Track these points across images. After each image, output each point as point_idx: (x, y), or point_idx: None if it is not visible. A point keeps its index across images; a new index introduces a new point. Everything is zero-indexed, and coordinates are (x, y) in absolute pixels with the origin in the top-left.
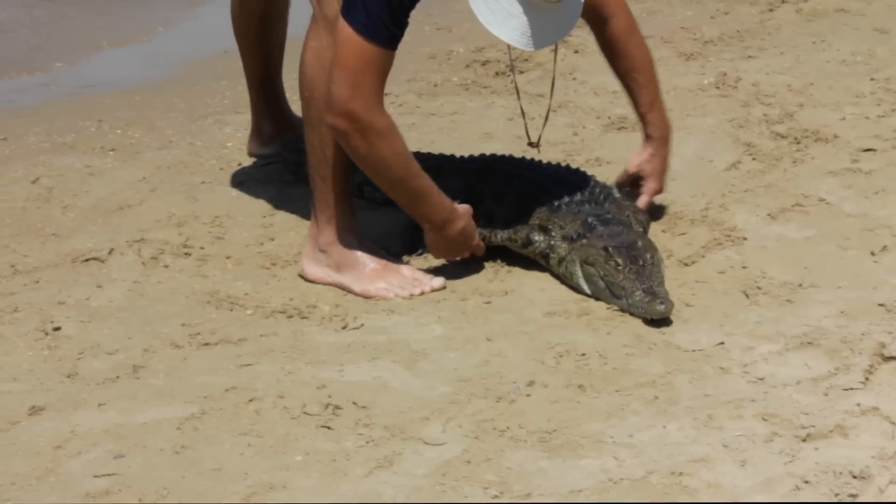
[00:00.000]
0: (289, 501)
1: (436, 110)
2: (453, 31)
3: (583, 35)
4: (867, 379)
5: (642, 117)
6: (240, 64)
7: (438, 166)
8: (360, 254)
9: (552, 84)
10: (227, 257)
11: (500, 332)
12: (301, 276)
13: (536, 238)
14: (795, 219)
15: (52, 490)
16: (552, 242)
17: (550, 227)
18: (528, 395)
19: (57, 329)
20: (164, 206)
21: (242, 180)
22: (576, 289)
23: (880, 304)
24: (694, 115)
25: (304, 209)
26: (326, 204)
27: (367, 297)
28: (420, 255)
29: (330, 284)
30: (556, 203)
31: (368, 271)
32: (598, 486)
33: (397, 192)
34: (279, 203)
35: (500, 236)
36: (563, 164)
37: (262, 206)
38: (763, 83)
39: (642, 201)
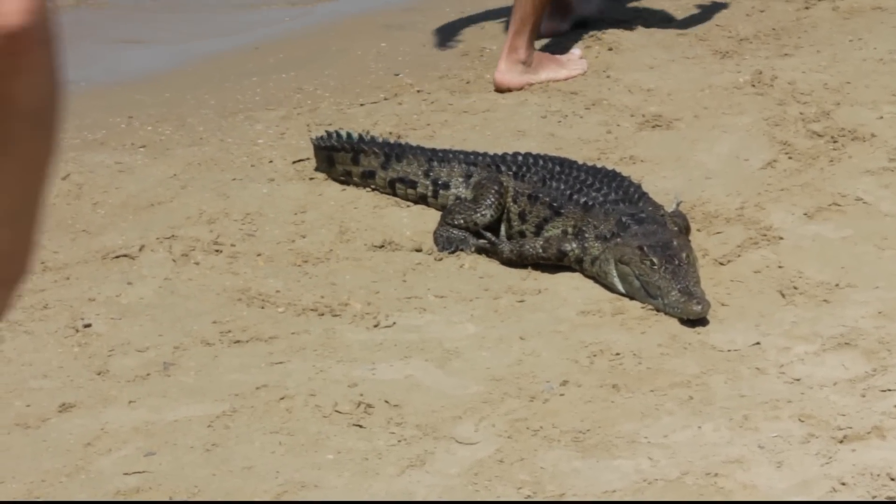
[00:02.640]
0: (320, 500)
1: (468, 108)
2: (486, 28)
3: (617, 32)
4: None
5: None
6: (271, 60)
7: (472, 163)
8: (547, 55)
9: None
10: (258, 254)
11: (533, 331)
12: (496, 88)
13: (569, 248)
14: (832, 218)
15: (82, 487)
16: (585, 245)
17: (584, 227)
18: (561, 395)
19: (87, 326)
20: (195, 203)
21: (273, 177)
22: (610, 288)
23: None
24: (730, 113)
25: (334, 206)
26: (527, 22)
27: (570, 78)
28: (453, 252)
29: (528, 84)
30: (589, 202)
31: (558, 64)
32: (632, 486)
33: None
34: (310, 200)
35: (531, 254)
36: (597, 163)
37: (293, 202)
38: (799, 81)
39: None
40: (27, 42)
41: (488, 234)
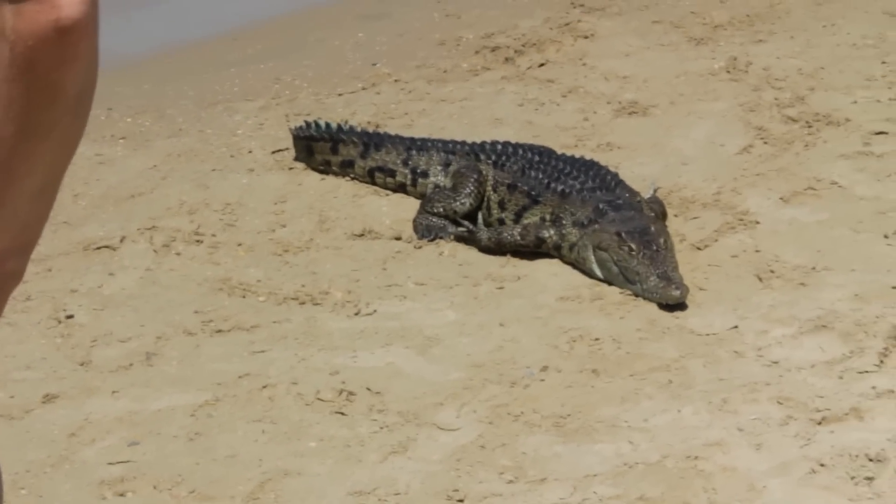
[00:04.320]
0: (303, 487)
1: (446, 96)
2: (462, 18)
3: (592, 20)
4: (882, 362)
5: None
6: (249, 51)
7: (451, 152)
8: None
9: None
10: (239, 244)
11: (513, 317)
12: None
13: (546, 234)
14: (808, 202)
15: (66, 477)
16: (563, 231)
17: (561, 214)
18: (542, 380)
19: (70, 317)
20: (175, 194)
21: (253, 167)
22: (588, 274)
23: (894, 287)
24: (705, 99)
25: (314, 195)
26: None
27: None
28: (432, 240)
29: None
30: (566, 190)
31: None
32: (613, 470)
33: None
34: (290, 190)
35: (509, 241)
36: (574, 150)
37: (273, 193)
38: (774, 67)
39: None
40: (82, 32)
41: (466, 223)
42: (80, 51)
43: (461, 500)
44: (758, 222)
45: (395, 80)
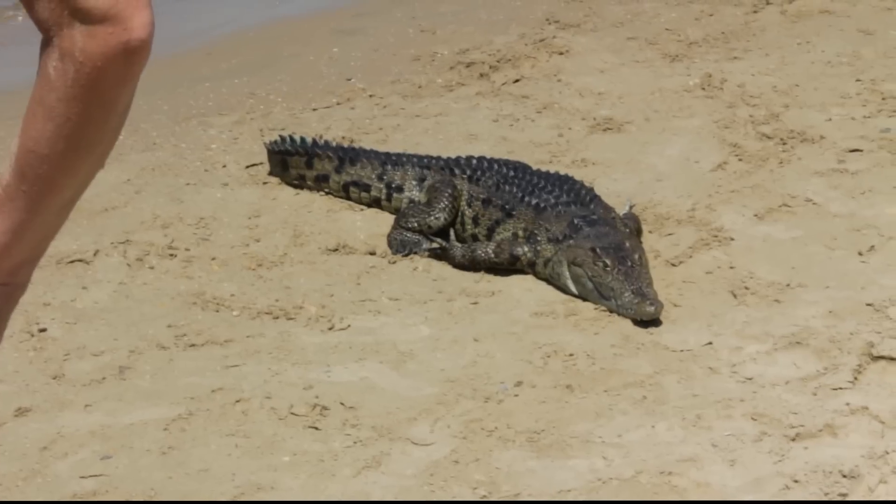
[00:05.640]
0: (277, 501)
1: (420, 112)
2: (437, 34)
3: (567, 37)
4: (856, 378)
5: None
6: (223, 66)
7: (426, 167)
8: None
9: None
10: (213, 259)
11: (487, 332)
12: None
13: (520, 251)
14: (782, 219)
15: (38, 491)
16: (538, 248)
17: (535, 230)
18: (516, 396)
19: (42, 330)
20: (149, 208)
21: (227, 182)
22: (563, 289)
23: (868, 304)
24: (680, 116)
25: (288, 210)
26: None
27: None
28: (406, 255)
29: None
30: (541, 204)
31: None
32: (587, 485)
33: None
34: (264, 204)
35: (483, 259)
36: (549, 165)
37: (246, 207)
38: (748, 84)
39: None
40: (146, 53)
41: (438, 240)
42: (139, 70)
43: None
44: (732, 239)
45: (370, 96)
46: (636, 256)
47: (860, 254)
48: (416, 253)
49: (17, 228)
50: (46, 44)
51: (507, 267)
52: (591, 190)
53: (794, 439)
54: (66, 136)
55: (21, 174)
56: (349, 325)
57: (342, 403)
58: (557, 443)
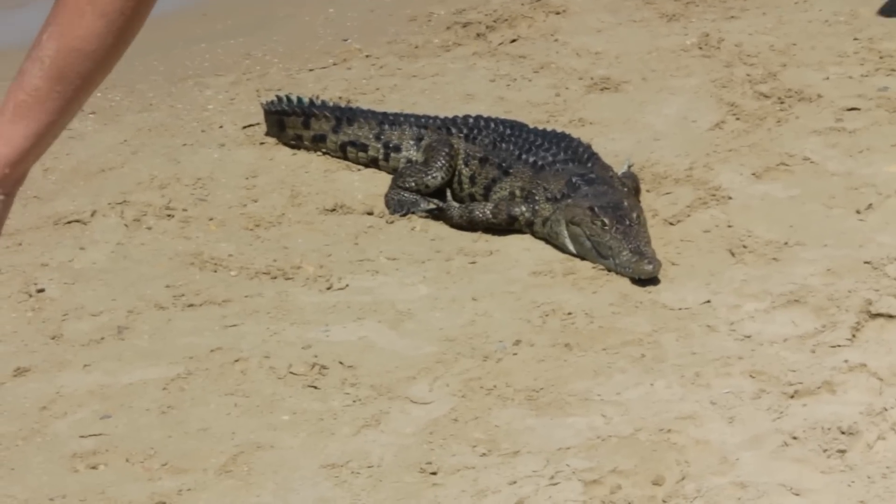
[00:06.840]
0: (276, 460)
1: (417, 72)
2: None
3: None
4: (854, 336)
5: None
6: (219, 26)
7: (423, 126)
8: None
9: None
10: (210, 219)
11: (485, 291)
12: None
13: (518, 211)
14: (780, 178)
15: (38, 450)
16: (535, 207)
17: (533, 189)
18: (514, 354)
19: (41, 291)
20: (146, 169)
21: (223, 142)
22: (561, 248)
23: (866, 262)
24: (677, 75)
25: (286, 170)
26: None
27: None
28: (404, 215)
29: None
30: (539, 162)
31: None
32: (585, 443)
33: None
34: (261, 165)
35: (480, 219)
36: (546, 125)
37: (244, 167)
38: (746, 43)
39: None
40: None
41: (436, 201)
42: None
43: (434, 473)
44: (730, 198)
45: (367, 56)
46: (634, 215)
47: (858, 212)
48: (413, 213)
49: (42, 131)
50: None
51: (504, 227)
52: (588, 148)
53: (792, 396)
54: (118, 30)
55: (59, 75)
56: (347, 285)
57: (341, 363)
58: (556, 401)
